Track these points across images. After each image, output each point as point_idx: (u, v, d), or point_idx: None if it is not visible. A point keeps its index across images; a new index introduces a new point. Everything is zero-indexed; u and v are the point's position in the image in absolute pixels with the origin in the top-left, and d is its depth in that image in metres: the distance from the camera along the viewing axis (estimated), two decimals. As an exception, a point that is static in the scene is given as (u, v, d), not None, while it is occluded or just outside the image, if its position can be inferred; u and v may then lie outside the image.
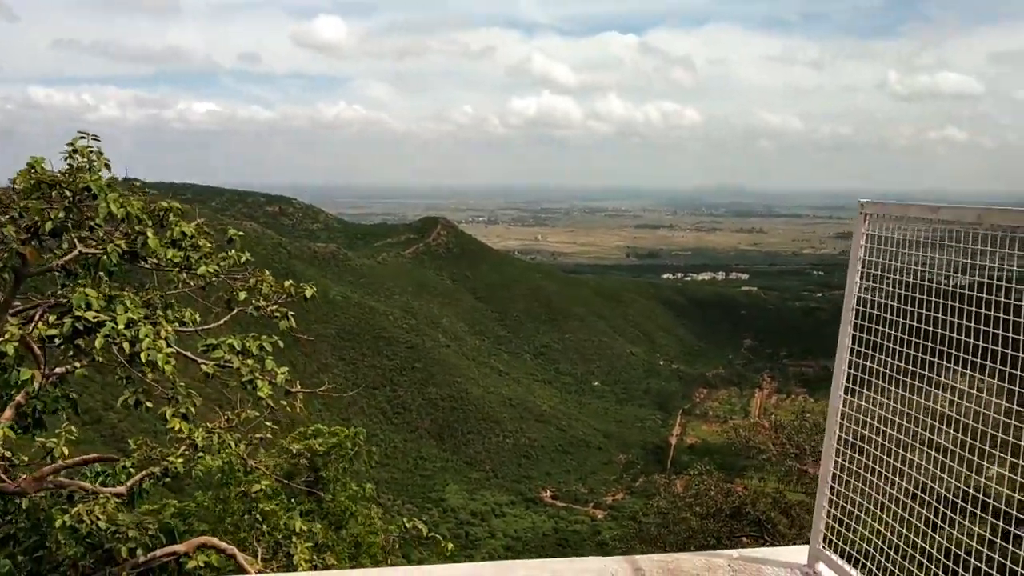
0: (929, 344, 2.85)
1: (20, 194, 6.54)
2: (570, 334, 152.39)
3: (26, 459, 7.10)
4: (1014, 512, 2.55)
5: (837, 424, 3.36)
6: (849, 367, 3.27)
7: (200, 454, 7.60)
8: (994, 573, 2.61)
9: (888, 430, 3.06)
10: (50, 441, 6.85)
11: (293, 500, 9.61)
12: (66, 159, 6.67)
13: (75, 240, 6.63)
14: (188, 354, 6.51)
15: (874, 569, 3.06)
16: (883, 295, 3.12)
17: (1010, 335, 2.55)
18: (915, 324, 2.92)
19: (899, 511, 3.05)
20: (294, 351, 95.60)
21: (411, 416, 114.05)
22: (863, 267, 3.26)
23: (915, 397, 2.90)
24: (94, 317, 5.80)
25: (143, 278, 7.34)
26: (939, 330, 2.80)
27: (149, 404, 5.98)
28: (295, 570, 7.54)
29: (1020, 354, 2.56)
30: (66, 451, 6.68)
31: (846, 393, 3.27)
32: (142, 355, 5.63)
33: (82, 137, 6.70)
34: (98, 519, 6.54)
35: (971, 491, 2.79)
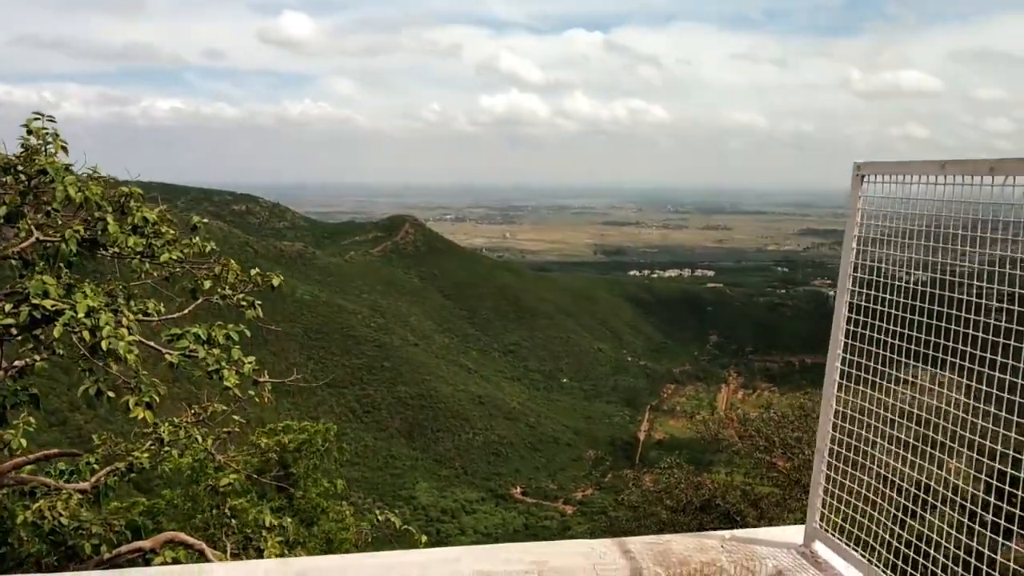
0: (935, 323, 2.75)
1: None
2: (538, 331, 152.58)
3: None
4: None
5: (834, 396, 3.28)
6: (847, 336, 3.18)
7: (166, 449, 7.37)
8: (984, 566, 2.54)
9: (886, 399, 2.98)
10: (7, 433, 6.59)
11: (264, 498, 9.41)
12: (21, 143, 6.39)
13: (32, 228, 6.35)
14: (152, 344, 6.27)
15: (874, 544, 2.98)
16: (879, 273, 3.02)
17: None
18: (913, 303, 2.82)
19: (893, 494, 2.98)
20: (262, 349, 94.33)
21: (380, 415, 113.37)
22: (860, 232, 3.16)
23: (919, 364, 2.81)
24: (52, 305, 5.54)
25: (104, 270, 7.09)
26: (951, 310, 2.66)
27: (111, 394, 5.74)
28: None
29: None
30: (24, 443, 6.42)
31: (843, 364, 3.18)
32: (103, 343, 5.39)
33: (37, 118, 6.42)
34: (60, 515, 6.31)
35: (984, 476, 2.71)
